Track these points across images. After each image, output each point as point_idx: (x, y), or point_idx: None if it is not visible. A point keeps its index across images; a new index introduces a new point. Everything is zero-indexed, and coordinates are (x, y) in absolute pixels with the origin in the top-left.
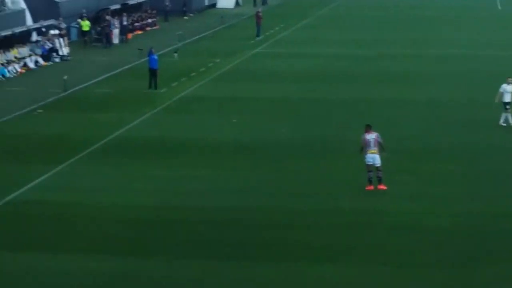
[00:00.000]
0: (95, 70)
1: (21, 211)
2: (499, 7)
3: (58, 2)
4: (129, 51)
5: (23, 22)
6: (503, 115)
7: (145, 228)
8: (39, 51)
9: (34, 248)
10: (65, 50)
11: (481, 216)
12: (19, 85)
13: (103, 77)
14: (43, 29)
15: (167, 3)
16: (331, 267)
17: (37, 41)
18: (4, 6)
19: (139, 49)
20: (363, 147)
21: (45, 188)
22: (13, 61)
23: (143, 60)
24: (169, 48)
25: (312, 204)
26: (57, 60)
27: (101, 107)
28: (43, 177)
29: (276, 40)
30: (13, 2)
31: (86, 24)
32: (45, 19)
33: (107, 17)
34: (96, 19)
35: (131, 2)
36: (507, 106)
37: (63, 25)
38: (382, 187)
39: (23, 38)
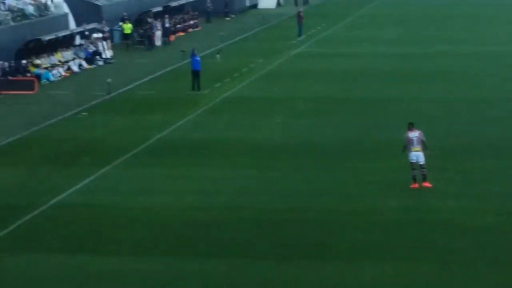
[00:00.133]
0: (138, 72)
1: (67, 214)
2: None
3: (100, 6)
4: (172, 53)
5: (66, 26)
6: None
7: (193, 228)
8: (82, 54)
9: (81, 251)
10: (108, 53)
11: None
12: (63, 89)
13: (146, 79)
14: (86, 33)
15: (208, 5)
16: (378, 265)
17: (80, 45)
18: (48, 11)
19: (181, 50)
20: (406, 146)
21: (91, 191)
22: (57, 65)
23: (185, 61)
24: (212, 49)
25: (357, 203)
26: (101, 63)
27: (145, 109)
28: (88, 180)
29: (318, 40)
30: (56, 7)
31: (128, 27)
32: (88, 22)
33: (149, 20)
34: (138, 22)
35: (173, 4)
36: None
37: (106, 28)
38: (427, 184)
39: (66, 42)
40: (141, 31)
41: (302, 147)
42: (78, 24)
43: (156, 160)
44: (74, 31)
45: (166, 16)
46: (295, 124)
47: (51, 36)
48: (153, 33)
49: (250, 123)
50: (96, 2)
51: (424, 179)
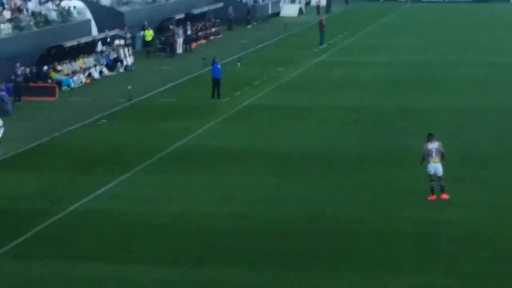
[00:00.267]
0: (159, 79)
1: (86, 220)
2: None
3: (123, 12)
4: (193, 60)
5: (88, 32)
6: None
7: (214, 237)
8: (103, 61)
9: (101, 258)
10: (129, 60)
11: None
12: (84, 95)
13: (167, 86)
14: (108, 39)
15: (230, 12)
16: (395, 277)
17: (102, 51)
18: (70, 17)
19: (203, 58)
20: (425, 157)
21: (111, 197)
22: (78, 71)
23: (206, 69)
24: (233, 57)
25: (375, 213)
26: (122, 70)
27: (165, 116)
28: (108, 186)
29: (340, 48)
30: (79, 13)
31: (149, 34)
32: (110, 29)
33: (171, 27)
34: (160, 29)
35: (195, 12)
36: None
37: (128, 35)
38: (445, 196)
39: (88, 48)
40: (163, 38)
41: (322, 156)
42: (100, 30)
43: (175, 168)
44: (96, 37)
45: (188, 23)
46: (316, 133)
47: (73, 42)
48: (175, 40)
49: (270, 131)
50: (118, 9)
51: (442, 190)
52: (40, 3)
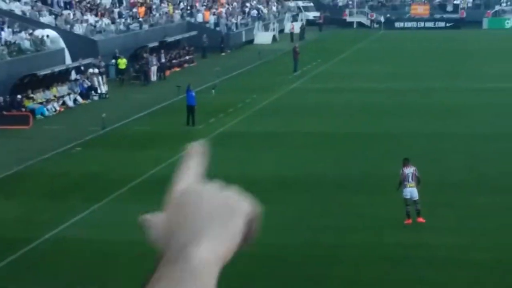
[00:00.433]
0: (134, 107)
1: (61, 248)
2: None
3: (96, 41)
4: (167, 88)
5: (62, 61)
6: None
7: None
8: (78, 89)
9: (76, 285)
10: (103, 88)
11: None
12: (58, 124)
13: (141, 114)
14: (82, 68)
15: (204, 40)
16: None
17: (76, 80)
18: (44, 46)
19: (177, 86)
20: (401, 181)
21: (85, 225)
22: (52, 100)
23: (181, 96)
24: (207, 84)
25: (351, 238)
26: (96, 98)
27: (140, 144)
28: (82, 214)
29: (314, 75)
30: (52, 42)
31: (122, 62)
32: (84, 57)
33: (145, 55)
34: (134, 57)
35: (168, 40)
36: None
37: (102, 64)
38: (421, 220)
39: (62, 77)
40: (137, 66)
41: (297, 182)
42: (74, 59)
43: (150, 196)
44: (70, 66)
45: (162, 51)
46: (291, 159)
47: (47, 71)
48: (149, 68)
49: (244, 158)
50: (92, 37)
51: (418, 214)
52: (13, 33)
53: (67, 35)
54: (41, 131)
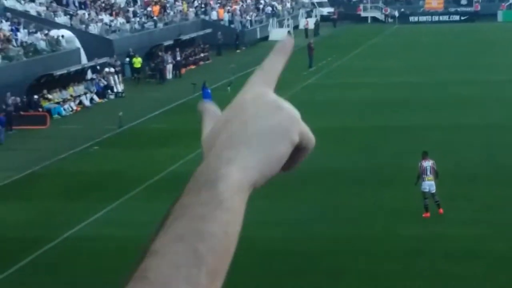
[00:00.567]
0: (150, 105)
1: (80, 247)
2: None
3: (111, 40)
4: (183, 86)
5: (78, 60)
6: None
7: None
8: (94, 88)
9: (98, 284)
10: (119, 87)
11: None
12: (75, 123)
13: (157, 112)
14: (98, 67)
15: (219, 37)
16: None
17: (92, 79)
18: (59, 46)
19: (192, 83)
20: (420, 174)
21: (104, 224)
22: (68, 99)
23: (196, 94)
24: (223, 82)
25: (369, 231)
26: (112, 97)
27: (156, 142)
28: (100, 213)
29: (329, 71)
30: (67, 42)
31: (138, 61)
32: (100, 57)
33: (160, 53)
34: (149, 55)
35: (183, 38)
36: None
37: (118, 63)
38: (441, 211)
39: (78, 77)
40: (152, 64)
41: (313, 176)
42: (89, 58)
43: (168, 193)
44: (86, 65)
45: (177, 49)
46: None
47: (63, 71)
48: (164, 67)
49: None
50: (107, 37)
51: (438, 206)
52: (29, 33)
53: (83, 35)
54: (58, 131)
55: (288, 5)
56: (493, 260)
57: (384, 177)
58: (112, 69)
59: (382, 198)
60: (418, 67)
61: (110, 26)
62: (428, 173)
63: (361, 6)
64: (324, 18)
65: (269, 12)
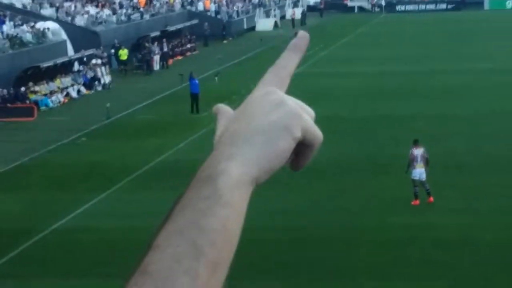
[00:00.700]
0: (137, 97)
1: (68, 239)
2: None
3: (98, 32)
4: (170, 76)
5: (64, 52)
6: None
7: None
8: (81, 80)
9: (87, 275)
10: (107, 79)
11: None
12: (62, 115)
13: (145, 103)
14: (85, 59)
15: (206, 28)
16: (381, 283)
17: (79, 71)
18: (45, 38)
19: (180, 74)
20: (410, 162)
21: (92, 215)
22: (55, 91)
23: (184, 85)
24: (210, 72)
25: (361, 220)
26: (99, 88)
27: (144, 133)
28: (89, 204)
29: (316, 60)
30: (54, 34)
31: (124, 53)
32: (86, 48)
33: (147, 44)
34: (136, 47)
35: (170, 29)
36: None
37: (105, 54)
38: (432, 200)
39: (65, 68)
40: (139, 55)
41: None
42: (76, 50)
43: (157, 183)
44: (73, 57)
45: (164, 40)
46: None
47: (50, 63)
48: (151, 58)
49: None
50: (94, 29)
51: (429, 194)
52: (15, 26)
53: (69, 27)
54: (46, 123)
55: None
56: (481, 248)
57: (374, 166)
58: (99, 61)
59: (373, 187)
60: (406, 56)
61: (96, 18)
62: (419, 160)
63: None
64: (310, 8)
65: (256, 2)
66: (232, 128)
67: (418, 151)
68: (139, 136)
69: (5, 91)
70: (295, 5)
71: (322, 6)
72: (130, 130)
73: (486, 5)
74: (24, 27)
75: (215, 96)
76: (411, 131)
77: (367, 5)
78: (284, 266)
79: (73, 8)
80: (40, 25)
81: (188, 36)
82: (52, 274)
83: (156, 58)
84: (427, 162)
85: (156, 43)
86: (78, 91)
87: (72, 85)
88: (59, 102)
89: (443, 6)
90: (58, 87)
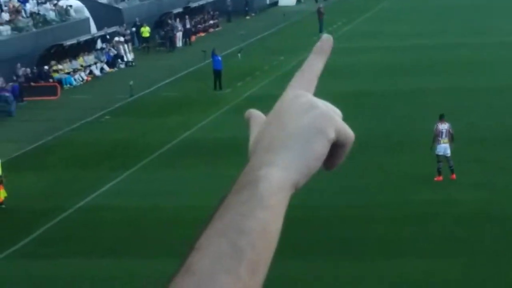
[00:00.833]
0: (160, 74)
1: (93, 217)
2: None
3: (121, 9)
4: (193, 53)
5: (87, 30)
6: None
7: None
8: (104, 58)
9: (112, 253)
10: (129, 56)
11: None
12: (86, 93)
13: (168, 80)
14: (108, 36)
15: (228, 4)
16: (401, 259)
17: (102, 49)
18: (69, 16)
19: (202, 50)
20: (435, 136)
21: (117, 193)
22: (79, 69)
23: (207, 61)
24: (233, 48)
25: (381, 197)
26: (122, 66)
27: (168, 110)
28: (113, 182)
29: (339, 35)
30: (77, 11)
31: (146, 30)
32: (109, 26)
33: (170, 21)
34: (159, 24)
35: (193, 5)
36: None
37: (128, 32)
38: (454, 177)
39: (88, 46)
40: (162, 32)
41: None
42: (99, 28)
43: (181, 161)
44: (95, 35)
45: (187, 17)
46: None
47: (73, 41)
48: (174, 34)
49: None
50: (116, 6)
51: (452, 171)
52: (38, 4)
53: (92, 4)
54: (69, 101)
55: None
56: (507, 223)
57: (395, 141)
58: (122, 38)
59: (391, 163)
60: (427, 30)
61: None
62: (444, 136)
63: None
64: None
65: None
66: (267, 134)
67: (444, 126)
68: (162, 114)
69: (28, 70)
70: None
71: None
72: (153, 107)
73: None
74: (47, 5)
75: (238, 73)
76: (434, 106)
77: None
78: (300, 245)
79: None
80: (63, 2)
81: (211, 12)
82: (76, 253)
83: (179, 35)
84: (452, 138)
85: (178, 19)
86: (101, 69)
87: (95, 63)
88: (82, 80)
89: None
90: (81, 65)
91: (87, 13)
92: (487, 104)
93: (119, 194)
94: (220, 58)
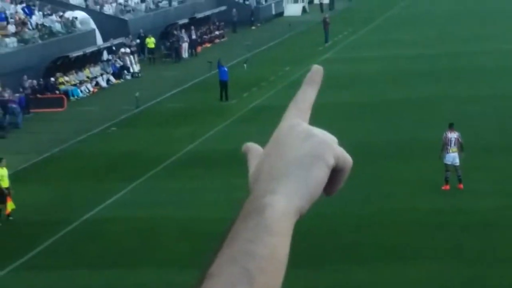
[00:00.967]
0: (166, 85)
1: (100, 229)
2: None
3: (126, 20)
4: (199, 64)
5: (93, 42)
6: None
7: None
8: (110, 69)
9: (118, 265)
10: (136, 67)
11: None
12: (92, 104)
13: (174, 91)
14: (113, 48)
15: (234, 14)
16: (408, 267)
17: (108, 60)
18: (75, 27)
19: (208, 61)
20: (444, 145)
21: (123, 205)
22: (85, 81)
23: (213, 72)
24: (239, 59)
25: (389, 205)
26: (128, 77)
27: (174, 121)
28: (120, 194)
29: (345, 45)
30: (82, 23)
31: (151, 41)
32: (115, 37)
33: (175, 32)
34: (165, 34)
35: (198, 16)
36: None
37: (133, 43)
38: (461, 186)
39: (94, 58)
40: (168, 43)
41: None
42: (105, 39)
43: (187, 172)
44: (101, 46)
45: (192, 27)
46: (326, 129)
47: (79, 53)
48: (180, 45)
49: None
50: (122, 17)
51: (460, 181)
52: (44, 16)
53: (97, 16)
54: (76, 113)
55: None
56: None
57: (402, 150)
58: (127, 50)
59: (400, 171)
60: (434, 38)
61: (124, 6)
62: (453, 144)
63: None
64: None
65: None
66: (267, 164)
67: (453, 135)
68: (168, 125)
69: (34, 81)
70: None
71: None
72: (159, 119)
73: None
74: (53, 16)
75: (244, 83)
76: (440, 114)
77: None
78: (310, 254)
79: None
80: (69, 14)
81: (217, 23)
82: (82, 265)
83: (185, 45)
84: (461, 147)
85: (184, 30)
86: (108, 81)
87: (101, 75)
88: (89, 92)
89: None
90: (88, 77)
91: (93, 25)
92: (492, 112)
93: (125, 206)
94: (226, 68)
